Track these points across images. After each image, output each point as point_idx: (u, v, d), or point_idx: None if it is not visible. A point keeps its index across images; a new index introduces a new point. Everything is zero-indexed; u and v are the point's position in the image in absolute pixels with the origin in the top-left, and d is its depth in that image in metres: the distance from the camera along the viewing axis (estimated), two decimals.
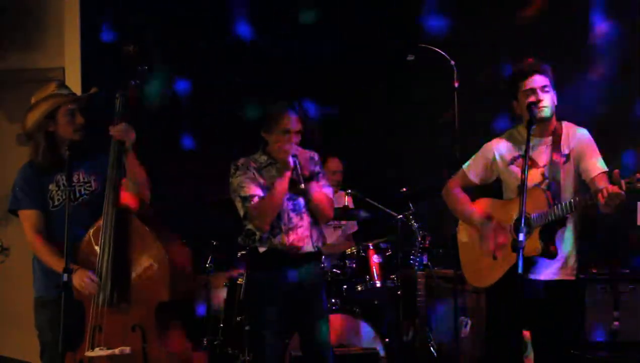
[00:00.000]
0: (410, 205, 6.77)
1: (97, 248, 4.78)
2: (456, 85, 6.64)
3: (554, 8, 7.10)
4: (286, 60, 7.95)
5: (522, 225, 4.37)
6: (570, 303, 5.01)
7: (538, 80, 4.90)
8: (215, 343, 6.75)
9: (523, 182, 4.59)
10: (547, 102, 4.90)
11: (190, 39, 7.76)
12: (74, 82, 7.17)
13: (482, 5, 7.60)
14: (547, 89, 4.89)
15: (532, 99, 4.88)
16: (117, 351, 4.62)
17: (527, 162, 4.63)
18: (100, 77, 6.88)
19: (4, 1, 7.46)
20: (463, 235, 5.35)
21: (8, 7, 7.46)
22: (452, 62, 6.67)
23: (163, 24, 7.68)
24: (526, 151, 4.63)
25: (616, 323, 6.17)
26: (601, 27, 6.94)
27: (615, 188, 4.48)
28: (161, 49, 7.39)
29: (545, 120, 4.93)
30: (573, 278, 4.98)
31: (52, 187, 5.01)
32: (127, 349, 4.64)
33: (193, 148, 7.89)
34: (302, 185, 5.12)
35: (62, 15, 7.47)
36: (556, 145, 4.95)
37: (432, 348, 6.70)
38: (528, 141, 4.68)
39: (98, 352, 4.65)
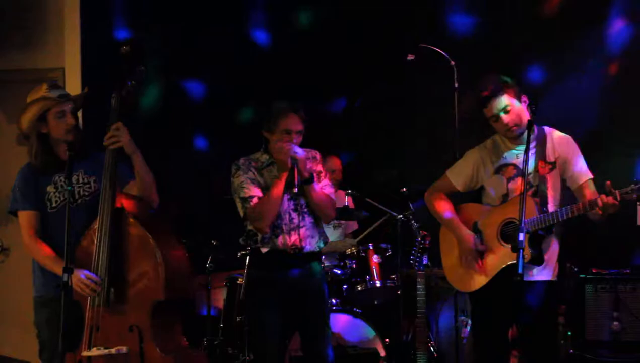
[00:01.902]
0: (410, 205, 6.76)
1: (94, 248, 4.77)
2: (456, 85, 6.64)
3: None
4: (286, 60, 7.95)
5: (522, 225, 4.39)
6: (548, 303, 5.01)
7: (496, 105, 4.88)
8: (215, 343, 6.75)
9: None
10: (512, 121, 4.88)
11: (199, 41, 7.77)
12: (74, 82, 7.19)
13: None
14: (508, 108, 4.87)
15: (498, 126, 4.89)
16: (114, 351, 4.62)
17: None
18: (100, 77, 6.89)
19: (3, 1, 7.46)
20: (445, 240, 5.34)
21: (8, 7, 7.46)
22: (452, 62, 6.67)
23: (171, 25, 7.69)
24: (526, 150, 4.64)
25: (616, 323, 6.18)
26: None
27: (610, 199, 4.53)
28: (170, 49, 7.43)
29: (517, 136, 4.93)
30: (554, 279, 5.00)
31: (50, 188, 5.00)
32: (124, 349, 4.64)
33: (193, 147, 7.89)
34: (296, 189, 5.10)
35: (62, 15, 7.47)
36: (541, 153, 4.93)
37: (432, 348, 6.69)
38: (528, 141, 4.68)
39: (95, 351, 4.65)
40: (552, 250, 4.96)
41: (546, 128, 5.02)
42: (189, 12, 7.80)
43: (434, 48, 6.75)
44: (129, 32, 7.40)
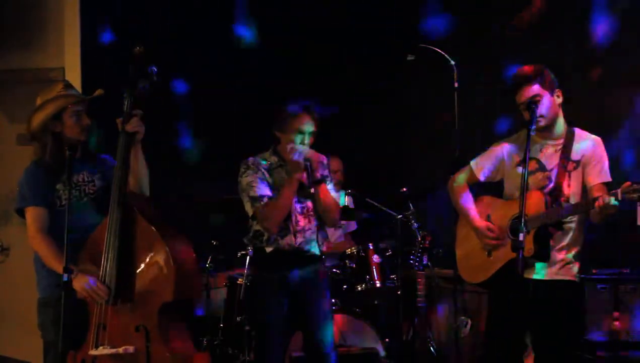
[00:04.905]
0: (410, 205, 6.77)
1: (103, 246, 4.75)
2: (456, 85, 6.65)
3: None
4: (286, 60, 7.96)
5: (522, 225, 4.39)
6: (569, 304, 4.99)
7: (525, 93, 4.85)
8: (215, 343, 6.75)
9: (522, 182, 4.60)
10: (539, 112, 4.86)
11: (192, 38, 7.76)
12: (74, 82, 7.08)
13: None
14: (537, 98, 4.84)
15: (526, 115, 4.87)
16: (120, 350, 4.60)
17: (528, 162, 4.64)
18: (100, 77, 6.90)
19: (3, 1, 7.45)
20: (461, 230, 5.35)
21: (8, 7, 7.45)
22: (452, 62, 6.68)
23: (163, 24, 7.68)
24: (526, 150, 4.63)
25: (616, 323, 6.18)
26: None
27: (611, 199, 4.51)
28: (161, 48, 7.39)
29: (543, 129, 4.92)
30: (573, 279, 4.97)
31: (59, 186, 4.99)
32: (130, 348, 4.61)
33: (194, 148, 7.89)
34: (312, 189, 5.12)
35: (62, 15, 7.46)
36: (566, 151, 4.92)
37: (432, 348, 6.70)
38: (528, 140, 4.67)
39: (102, 350, 4.63)
40: (569, 248, 4.95)
41: (576, 129, 5.00)
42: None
43: (434, 48, 6.76)
44: (129, 32, 7.37)
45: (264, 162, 5.33)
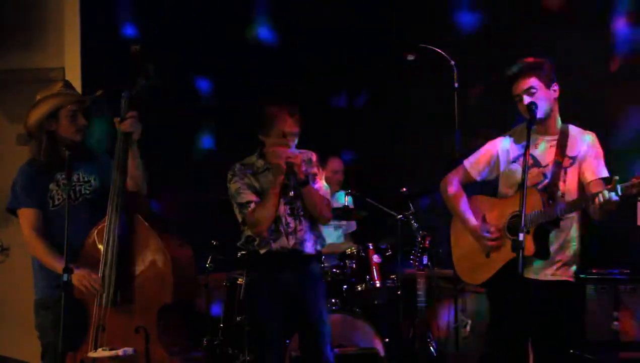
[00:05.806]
0: (410, 205, 6.76)
1: (101, 248, 4.76)
2: (456, 85, 6.64)
3: None
4: (287, 60, 7.95)
5: (522, 225, 4.35)
6: (567, 305, 4.96)
7: (522, 85, 4.82)
8: (215, 343, 6.74)
9: (523, 181, 4.53)
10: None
11: (196, 37, 7.76)
12: (74, 82, 7.10)
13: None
14: (533, 90, 4.82)
15: (521, 107, 4.85)
16: (120, 352, 4.61)
17: (528, 161, 4.61)
18: (100, 77, 6.90)
19: (3, 1, 7.45)
20: (456, 231, 5.31)
21: (8, 7, 7.45)
22: (452, 62, 6.67)
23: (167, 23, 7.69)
24: (526, 150, 4.61)
25: (616, 323, 6.18)
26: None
27: (611, 195, 4.48)
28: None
29: (537, 122, 4.85)
30: (572, 280, 4.95)
31: (52, 186, 4.99)
32: (130, 350, 4.63)
33: (193, 148, 7.88)
34: (292, 193, 5.10)
35: (62, 15, 7.46)
36: (561, 147, 4.89)
37: (432, 348, 6.70)
38: (528, 141, 4.65)
39: (101, 352, 4.63)
40: (568, 247, 4.94)
41: (571, 126, 4.97)
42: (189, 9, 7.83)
43: (434, 48, 6.75)
44: (130, 31, 7.37)
45: (250, 168, 5.32)
